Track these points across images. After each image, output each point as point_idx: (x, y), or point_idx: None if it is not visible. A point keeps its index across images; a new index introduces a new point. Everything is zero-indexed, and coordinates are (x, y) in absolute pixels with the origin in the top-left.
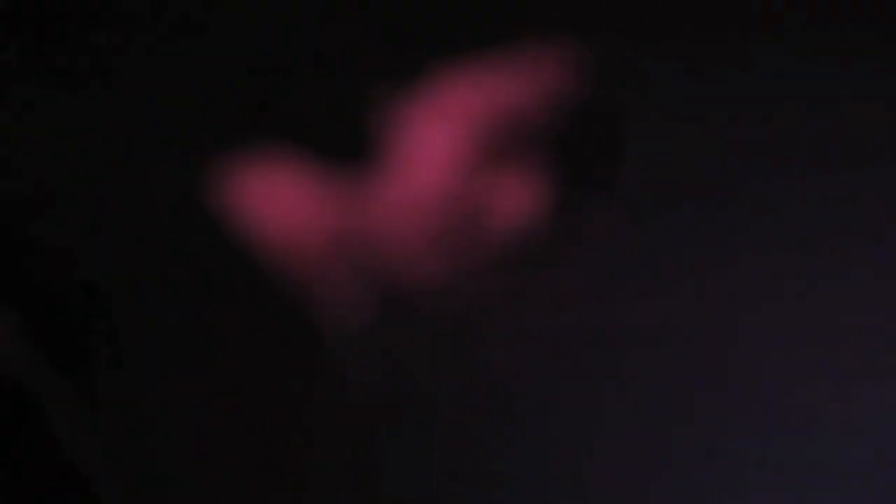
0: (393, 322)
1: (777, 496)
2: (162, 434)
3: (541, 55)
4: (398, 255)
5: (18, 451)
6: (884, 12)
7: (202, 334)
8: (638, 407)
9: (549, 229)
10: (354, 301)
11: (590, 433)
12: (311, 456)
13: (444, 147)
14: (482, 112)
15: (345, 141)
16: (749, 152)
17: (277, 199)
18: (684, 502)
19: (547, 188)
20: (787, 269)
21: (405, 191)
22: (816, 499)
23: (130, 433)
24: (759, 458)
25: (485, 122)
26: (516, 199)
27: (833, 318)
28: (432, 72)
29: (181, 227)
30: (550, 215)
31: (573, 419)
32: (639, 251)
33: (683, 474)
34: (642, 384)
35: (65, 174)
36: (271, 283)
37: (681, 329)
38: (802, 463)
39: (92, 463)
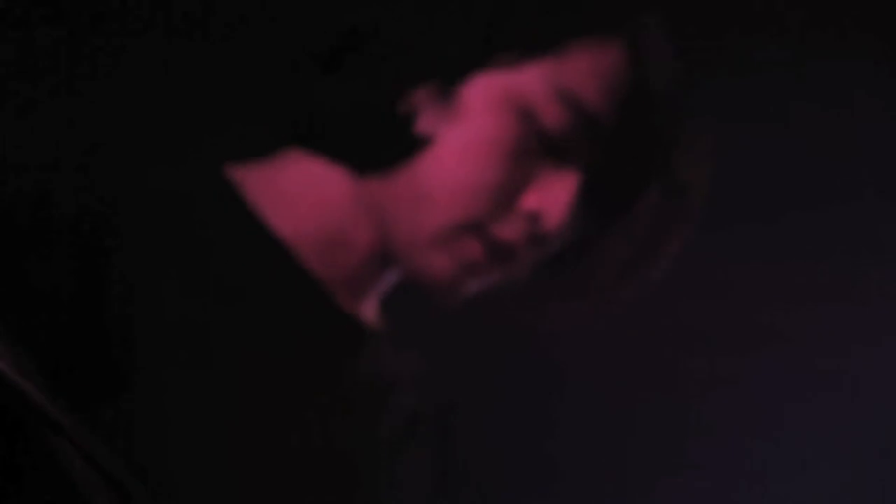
0: (425, 317)
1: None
2: (185, 432)
3: (593, 47)
4: (432, 245)
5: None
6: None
7: (228, 333)
8: (664, 409)
9: (588, 224)
10: (385, 294)
11: (623, 434)
12: (336, 456)
13: (487, 138)
14: (526, 105)
15: (379, 133)
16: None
17: (306, 195)
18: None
19: (589, 181)
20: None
21: (440, 181)
22: None
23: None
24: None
25: (528, 115)
26: (555, 193)
27: None
28: (478, 62)
29: (210, 224)
30: (590, 209)
31: (598, 423)
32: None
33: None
34: (678, 385)
35: (96, 172)
36: (301, 280)
37: (730, 331)
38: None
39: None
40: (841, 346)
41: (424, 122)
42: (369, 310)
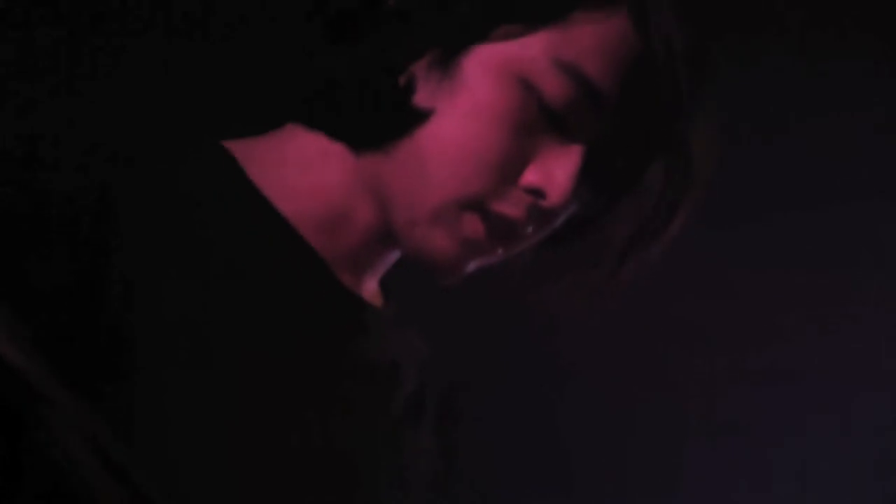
0: (427, 295)
1: None
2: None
3: (596, 18)
4: (433, 222)
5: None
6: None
7: (229, 330)
8: (667, 401)
9: (587, 202)
10: (386, 272)
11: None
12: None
13: (487, 111)
14: (528, 77)
15: (377, 107)
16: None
17: (306, 173)
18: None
19: (592, 156)
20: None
21: (439, 156)
22: None
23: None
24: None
25: (530, 88)
26: (557, 168)
27: None
28: (479, 33)
29: (212, 222)
30: (594, 185)
31: (596, 410)
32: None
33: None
34: (680, 378)
35: (96, 165)
36: (304, 259)
37: (734, 325)
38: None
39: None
40: (841, 346)
41: (423, 95)
42: (371, 288)
